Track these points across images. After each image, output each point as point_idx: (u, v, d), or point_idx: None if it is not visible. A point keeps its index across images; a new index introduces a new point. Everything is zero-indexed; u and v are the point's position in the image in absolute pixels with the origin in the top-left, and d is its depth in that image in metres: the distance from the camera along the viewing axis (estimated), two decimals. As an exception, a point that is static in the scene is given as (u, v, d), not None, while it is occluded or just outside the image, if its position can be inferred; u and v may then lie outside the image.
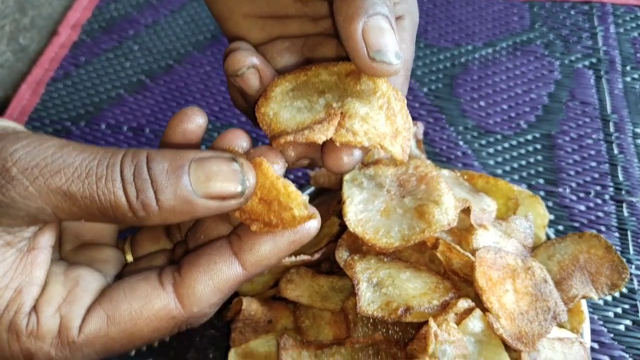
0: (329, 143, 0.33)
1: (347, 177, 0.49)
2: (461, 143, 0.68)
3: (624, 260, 0.48)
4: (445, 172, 0.55)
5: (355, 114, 0.33)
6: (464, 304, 0.42)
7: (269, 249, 0.31)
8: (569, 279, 0.49)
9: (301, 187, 0.63)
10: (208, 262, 0.31)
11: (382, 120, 0.33)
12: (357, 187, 0.49)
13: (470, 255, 0.44)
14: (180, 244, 0.37)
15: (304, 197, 0.30)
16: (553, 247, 0.51)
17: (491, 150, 0.67)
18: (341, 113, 0.33)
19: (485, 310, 0.43)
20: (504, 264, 0.46)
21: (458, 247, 0.44)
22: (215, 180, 0.28)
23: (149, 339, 0.31)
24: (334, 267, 0.50)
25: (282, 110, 0.34)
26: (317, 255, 0.45)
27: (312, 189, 0.57)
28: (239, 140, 0.33)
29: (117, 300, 0.30)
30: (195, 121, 0.34)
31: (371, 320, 0.44)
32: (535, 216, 0.53)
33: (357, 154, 0.34)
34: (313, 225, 0.31)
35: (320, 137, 0.31)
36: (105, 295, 0.30)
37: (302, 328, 0.47)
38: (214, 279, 0.30)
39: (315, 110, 0.34)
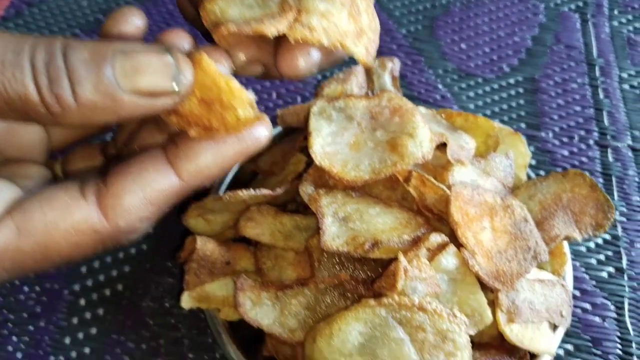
0: (283, 43, 0.29)
1: (314, 109, 0.45)
2: (440, 86, 0.64)
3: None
4: (422, 109, 0.51)
5: (313, 9, 0.28)
6: (437, 238, 0.38)
7: (210, 158, 0.27)
8: (550, 218, 0.45)
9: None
10: (139, 170, 0.27)
11: (345, 18, 0.29)
12: (325, 120, 0.45)
13: (445, 188, 0.40)
14: (115, 159, 0.33)
15: (251, 95, 0.26)
16: (535, 186, 0.47)
17: (471, 93, 0.63)
18: (298, 10, 0.28)
19: (459, 247, 0.39)
20: (481, 201, 0.43)
21: (432, 179, 0.40)
22: (144, 74, 0.24)
23: (69, 256, 0.27)
24: (301, 208, 0.47)
25: (231, 7, 0.30)
26: (279, 190, 0.41)
27: (279, 129, 0.53)
28: (180, 40, 0.29)
29: (31, 211, 0.26)
30: (132, 22, 0.30)
31: (336, 259, 0.41)
32: (516, 155, 0.49)
33: (315, 55, 0.30)
34: (263, 132, 0.27)
35: (270, 29, 0.27)
36: (18, 206, 0.26)
37: (263, 269, 0.43)
38: (144, 189, 0.26)
39: (268, 7, 0.29)
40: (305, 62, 0.30)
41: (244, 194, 0.40)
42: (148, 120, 0.31)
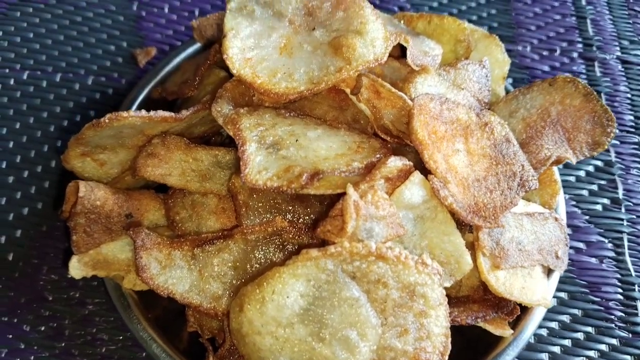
0: None
1: (232, 4, 0.34)
2: (399, -3, 0.54)
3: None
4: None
5: None
6: (396, 162, 0.29)
7: None
8: (538, 138, 0.37)
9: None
10: None
11: None
12: (246, 18, 0.34)
13: (405, 97, 0.30)
14: None
15: None
16: (516, 100, 0.38)
17: (435, 3, 0.54)
18: None
19: (427, 174, 0.30)
20: (452, 118, 0.33)
21: (389, 86, 0.30)
22: None
23: None
24: (228, 141, 0.37)
25: None
26: (185, 112, 0.31)
27: (196, 46, 0.42)
28: None
29: None
30: None
31: (269, 201, 0.31)
32: (492, 63, 0.40)
33: None
34: None
35: None
36: None
37: (176, 221, 0.33)
38: None
39: None
40: None
41: (131, 115, 0.29)
42: None
